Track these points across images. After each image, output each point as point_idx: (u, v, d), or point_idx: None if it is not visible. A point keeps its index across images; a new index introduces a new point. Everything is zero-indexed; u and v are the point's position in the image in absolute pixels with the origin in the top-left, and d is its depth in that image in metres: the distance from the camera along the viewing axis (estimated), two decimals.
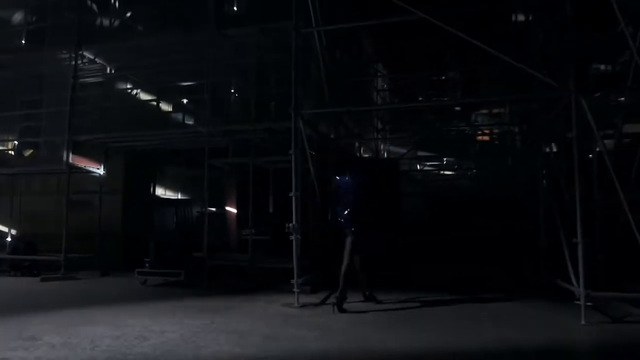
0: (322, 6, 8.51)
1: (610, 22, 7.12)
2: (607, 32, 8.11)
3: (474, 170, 16.99)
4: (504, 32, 10.99)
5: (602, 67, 9.05)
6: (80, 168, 11.02)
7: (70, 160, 10.62)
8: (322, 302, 7.22)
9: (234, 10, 11.91)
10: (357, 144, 14.81)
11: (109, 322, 5.87)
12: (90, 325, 5.71)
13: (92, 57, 11.32)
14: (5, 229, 12.30)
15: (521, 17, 10.69)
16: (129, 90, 12.77)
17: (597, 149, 7.34)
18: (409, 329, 5.70)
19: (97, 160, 11.47)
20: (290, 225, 7.35)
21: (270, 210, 11.41)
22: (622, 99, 7.90)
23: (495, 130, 16.84)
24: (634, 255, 5.87)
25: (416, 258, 10.97)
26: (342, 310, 6.50)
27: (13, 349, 4.74)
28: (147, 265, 9.35)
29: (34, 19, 12.11)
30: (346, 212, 6.96)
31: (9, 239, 11.84)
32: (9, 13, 12.60)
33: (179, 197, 14.76)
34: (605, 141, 7.41)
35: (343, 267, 6.77)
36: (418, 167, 19.08)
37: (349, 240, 6.84)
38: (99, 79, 12.20)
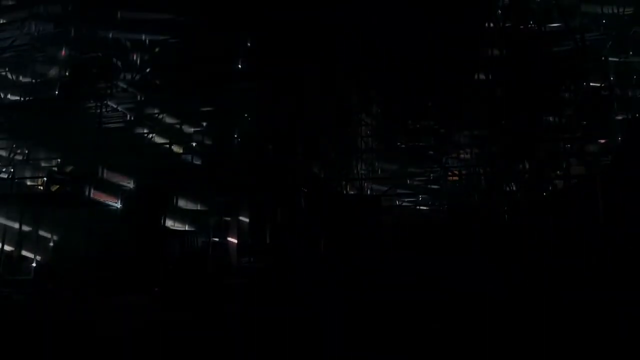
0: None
1: (557, 81, 7.41)
2: (555, 91, 8.38)
3: (446, 206, 17.07)
4: (470, 86, 11.24)
5: (551, 119, 9.33)
6: (100, 202, 10.97)
7: (92, 196, 10.58)
8: None
9: (238, 67, 12.23)
10: (344, 183, 14.87)
11: None
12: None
13: (115, 106, 11.49)
14: (31, 256, 12.09)
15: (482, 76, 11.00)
16: (146, 135, 12.87)
17: (551, 188, 7.51)
18: None
19: (115, 195, 11.43)
20: None
21: (268, 240, 11.35)
22: (569, 146, 8.12)
23: (463, 172, 17.03)
24: None
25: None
26: None
27: None
28: (157, 288, 9.22)
29: (67, 72, 12.33)
30: None
31: (34, 264, 11.63)
32: (46, 68, 12.86)
33: (186, 228, 14.62)
34: (556, 181, 7.59)
35: None
36: (397, 202, 19.11)
37: None
38: (120, 125, 12.32)
